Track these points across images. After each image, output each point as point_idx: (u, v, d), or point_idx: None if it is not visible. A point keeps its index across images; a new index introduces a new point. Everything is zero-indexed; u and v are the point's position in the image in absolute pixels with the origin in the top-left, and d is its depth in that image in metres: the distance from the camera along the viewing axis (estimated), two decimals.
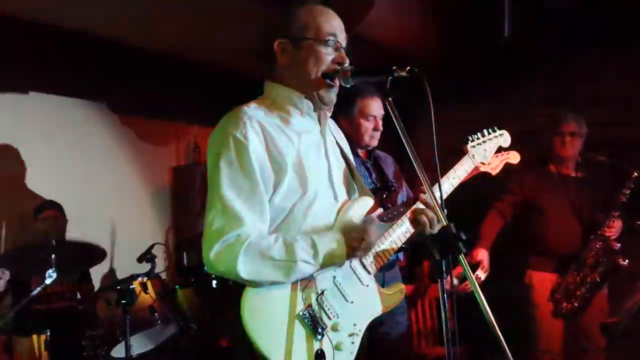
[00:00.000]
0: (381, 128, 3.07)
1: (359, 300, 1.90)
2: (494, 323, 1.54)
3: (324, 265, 1.78)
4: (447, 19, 4.63)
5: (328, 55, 1.86)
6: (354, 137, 3.02)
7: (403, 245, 2.04)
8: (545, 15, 4.42)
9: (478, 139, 2.66)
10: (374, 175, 3.09)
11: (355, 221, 1.93)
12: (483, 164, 2.66)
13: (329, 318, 1.81)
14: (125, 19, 4.31)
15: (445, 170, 2.36)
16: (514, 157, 2.96)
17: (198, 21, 4.41)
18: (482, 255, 3.75)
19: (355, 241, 1.82)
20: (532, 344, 3.76)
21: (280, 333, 1.71)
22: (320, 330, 1.76)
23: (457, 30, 4.64)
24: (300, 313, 1.75)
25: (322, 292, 1.81)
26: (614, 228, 3.62)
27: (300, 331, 1.74)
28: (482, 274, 3.69)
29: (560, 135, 3.78)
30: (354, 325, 1.88)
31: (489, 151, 2.70)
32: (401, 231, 2.03)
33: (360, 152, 3.12)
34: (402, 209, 2.23)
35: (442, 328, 1.61)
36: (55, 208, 4.19)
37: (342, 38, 1.90)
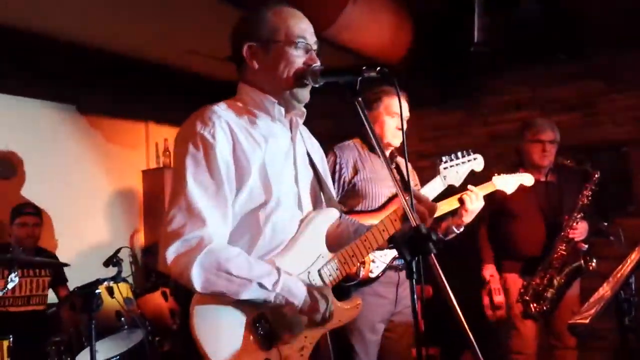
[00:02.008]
0: (404, 128, 3.06)
1: None
2: (465, 324, 1.53)
3: (277, 297, 1.70)
4: (419, 24, 4.67)
5: (298, 57, 1.82)
6: (377, 132, 2.99)
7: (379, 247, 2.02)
8: (514, 23, 4.49)
9: (451, 160, 2.69)
10: (396, 180, 3.07)
11: (318, 231, 1.89)
12: (453, 186, 2.70)
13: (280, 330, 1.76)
14: (94, 21, 4.26)
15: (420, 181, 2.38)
16: (529, 180, 3.08)
17: (169, 24, 4.37)
18: (491, 271, 3.82)
19: (312, 302, 1.76)
20: (506, 345, 3.79)
21: (229, 340, 1.66)
22: (270, 342, 1.72)
23: (428, 36, 4.68)
24: (252, 321, 1.70)
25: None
26: (578, 230, 3.65)
27: (249, 340, 1.70)
28: (500, 298, 3.77)
29: (541, 144, 3.81)
30: (305, 337, 1.82)
31: (461, 174, 2.75)
32: (377, 230, 1.97)
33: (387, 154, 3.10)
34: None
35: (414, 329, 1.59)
36: (35, 214, 4.12)
37: (313, 41, 1.87)
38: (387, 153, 3.08)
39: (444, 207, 2.84)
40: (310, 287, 1.78)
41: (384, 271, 2.87)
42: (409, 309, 2.98)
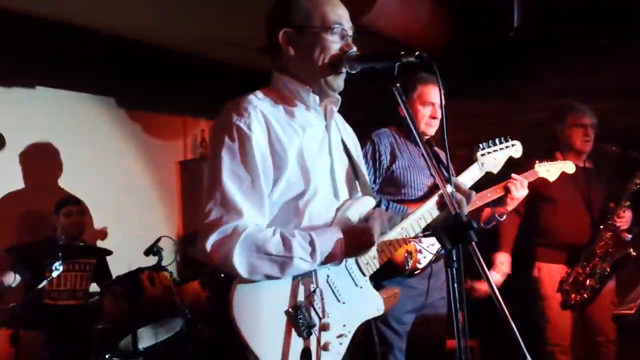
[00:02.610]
0: (439, 116, 2.99)
1: (351, 301, 1.85)
2: (508, 315, 1.50)
3: (321, 264, 1.73)
4: (457, 9, 4.59)
5: (334, 43, 1.82)
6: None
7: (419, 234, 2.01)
8: (554, 8, 4.38)
9: (489, 147, 2.67)
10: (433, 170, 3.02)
11: (354, 220, 1.89)
12: (492, 172, 2.67)
13: (319, 317, 1.76)
14: (133, 14, 4.30)
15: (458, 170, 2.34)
16: (571, 168, 3.05)
17: (205, 15, 4.39)
18: (504, 258, 3.77)
19: (355, 240, 1.79)
20: (542, 337, 3.72)
21: (268, 328, 1.68)
22: (308, 329, 1.72)
23: (466, 21, 4.60)
24: (290, 309, 1.71)
25: (314, 291, 1.76)
26: (625, 218, 3.57)
27: (288, 328, 1.71)
28: (497, 276, 3.71)
29: (583, 129, 3.72)
30: (344, 326, 1.83)
31: (498, 160, 2.72)
32: (414, 218, 1.97)
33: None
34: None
35: (453, 320, 1.57)
36: (77, 203, 4.22)
37: (348, 27, 1.86)
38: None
39: (488, 195, 2.84)
40: (347, 232, 1.78)
41: (431, 262, 2.83)
42: (442, 300, 2.96)
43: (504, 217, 2.93)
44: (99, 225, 4.80)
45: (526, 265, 3.86)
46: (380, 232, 1.87)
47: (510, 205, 2.85)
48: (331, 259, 1.75)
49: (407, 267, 2.76)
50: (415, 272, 2.80)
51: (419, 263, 2.80)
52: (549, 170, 3.03)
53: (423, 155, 3.01)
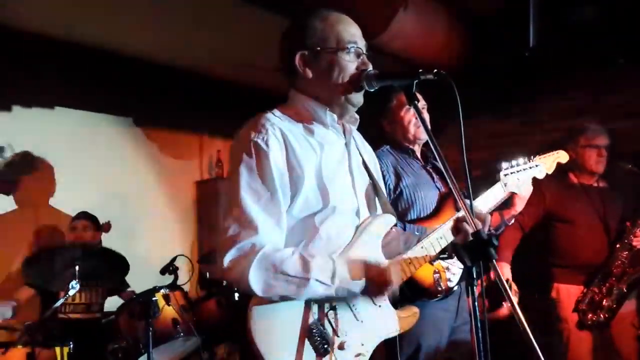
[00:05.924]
0: (426, 116, 2.91)
1: (370, 320, 1.83)
2: (531, 336, 1.47)
3: (338, 290, 1.71)
4: (472, 29, 4.60)
5: (351, 62, 1.83)
6: (401, 132, 2.94)
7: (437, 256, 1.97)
8: (570, 27, 4.37)
9: (512, 167, 2.61)
10: (436, 179, 2.95)
11: (374, 237, 1.88)
12: (515, 193, 2.59)
13: (337, 335, 1.75)
14: (150, 35, 4.36)
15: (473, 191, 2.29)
16: (563, 157, 2.91)
17: (221, 37, 4.43)
18: (507, 271, 3.65)
19: (376, 276, 1.77)
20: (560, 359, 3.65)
21: (285, 345, 1.67)
22: (326, 347, 1.70)
23: (482, 41, 4.60)
24: (307, 327, 1.70)
25: (332, 308, 1.75)
26: None
27: (305, 345, 1.69)
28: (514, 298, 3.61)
29: (597, 149, 3.70)
30: (362, 345, 1.80)
31: (522, 181, 2.64)
32: (435, 237, 1.94)
33: (419, 154, 3.01)
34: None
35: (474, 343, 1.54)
36: (85, 219, 4.22)
37: (362, 45, 1.88)
38: (419, 152, 3.00)
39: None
40: (369, 267, 1.77)
41: (462, 278, 2.75)
42: (466, 326, 2.83)
43: (512, 220, 2.82)
44: (114, 244, 4.81)
45: (543, 286, 3.79)
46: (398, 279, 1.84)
47: (519, 206, 2.71)
48: (349, 286, 1.72)
49: (440, 289, 2.64)
50: (450, 294, 2.71)
51: (450, 281, 2.71)
52: (546, 163, 2.84)
53: (425, 169, 2.98)
